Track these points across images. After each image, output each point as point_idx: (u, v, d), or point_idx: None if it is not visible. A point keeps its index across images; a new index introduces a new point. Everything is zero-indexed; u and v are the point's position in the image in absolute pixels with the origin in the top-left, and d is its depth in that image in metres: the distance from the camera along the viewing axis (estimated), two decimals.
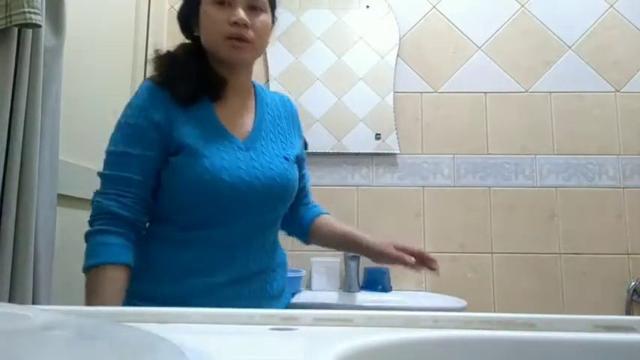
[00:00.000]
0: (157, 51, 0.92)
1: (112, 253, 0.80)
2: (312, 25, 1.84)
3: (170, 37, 1.85)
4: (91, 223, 0.83)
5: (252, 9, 0.87)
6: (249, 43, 0.87)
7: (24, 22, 0.87)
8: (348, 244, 1.04)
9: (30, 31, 0.94)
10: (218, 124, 0.88)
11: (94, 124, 1.37)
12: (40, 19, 0.90)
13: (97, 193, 0.84)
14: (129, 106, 0.88)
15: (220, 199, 0.84)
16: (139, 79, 1.66)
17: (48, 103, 0.98)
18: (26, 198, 0.91)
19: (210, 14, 0.87)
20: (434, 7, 1.86)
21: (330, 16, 1.85)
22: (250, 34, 0.86)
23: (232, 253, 0.87)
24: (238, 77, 0.93)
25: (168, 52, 0.92)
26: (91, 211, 0.83)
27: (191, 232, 0.86)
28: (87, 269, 0.80)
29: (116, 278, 0.79)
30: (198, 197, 0.84)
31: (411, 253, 0.96)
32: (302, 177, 1.03)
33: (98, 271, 0.79)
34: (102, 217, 0.81)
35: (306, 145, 1.18)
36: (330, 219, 1.06)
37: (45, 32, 0.97)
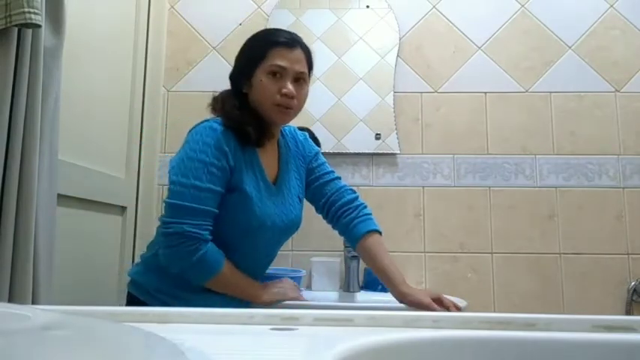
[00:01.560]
0: (215, 97, 1.11)
1: (223, 255, 1.00)
2: (312, 25, 1.83)
3: (170, 37, 1.85)
4: (193, 250, 0.95)
5: (297, 80, 1.06)
6: (292, 110, 1.06)
7: (24, 22, 0.87)
8: (383, 281, 1.14)
9: (30, 31, 0.93)
10: (262, 172, 1.07)
11: (93, 124, 1.37)
12: (39, 19, 0.90)
13: (186, 224, 0.96)
14: (205, 144, 1.00)
15: (256, 235, 1.05)
16: (139, 79, 1.66)
17: (47, 103, 0.98)
18: (26, 198, 0.91)
19: (264, 83, 1.04)
20: (434, 7, 1.85)
21: (330, 16, 1.85)
22: (294, 102, 1.06)
23: (249, 271, 1.05)
24: (275, 129, 1.12)
25: (229, 99, 1.08)
26: (182, 237, 0.95)
27: (224, 250, 1.01)
28: (217, 272, 0.98)
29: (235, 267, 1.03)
30: (240, 230, 1.03)
31: (440, 305, 1.04)
32: (334, 180, 1.20)
33: (226, 270, 0.99)
34: (202, 242, 0.97)
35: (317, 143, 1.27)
36: (374, 246, 1.13)
37: (45, 32, 0.97)
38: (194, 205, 0.96)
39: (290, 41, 1.07)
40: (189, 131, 1.06)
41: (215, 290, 1.01)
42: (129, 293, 1.09)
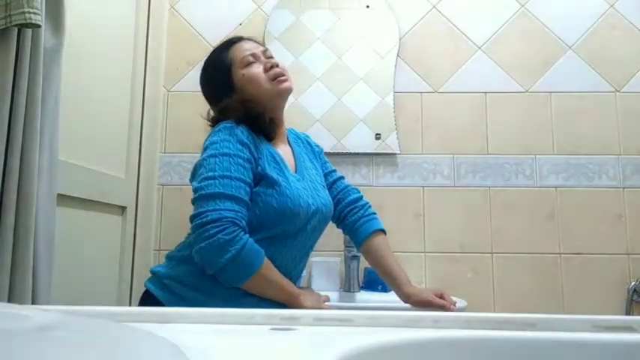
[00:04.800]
0: (211, 116, 1.12)
1: (263, 251, 0.94)
2: (312, 25, 1.83)
3: (170, 37, 1.85)
4: (233, 239, 0.89)
5: (269, 58, 1.10)
6: (287, 77, 1.07)
7: (24, 22, 0.87)
8: (388, 282, 1.14)
9: (30, 31, 0.94)
10: (282, 160, 1.04)
11: (93, 124, 1.37)
12: (39, 19, 0.90)
13: (224, 210, 0.90)
14: (225, 140, 0.98)
15: (294, 220, 0.99)
16: (139, 79, 1.66)
17: (47, 103, 0.98)
18: (26, 198, 0.91)
19: (248, 74, 1.06)
20: (434, 7, 1.86)
21: (330, 16, 1.85)
22: (283, 70, 1.08)
23: (287, 266, 1.01)
24: (279, 122, 1.11)
25: (237, 102, 1.07)
26: (221, 223, 0.89)
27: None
28: (259, 267, 0.92)
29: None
30: (276, 219, 0.97)
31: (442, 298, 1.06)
32: (339, 179, 1.23)
33: (267, 266, 0.93)
34: (243, 231, 0.91)
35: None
36: (380, 246, 1.15)
37: (44, 32, 0.97)
38: (228, 192, 0.91)
39: (238, 37, 1.14)
40: (204, 143, 1.02)
41: (250, 292, 0.94)
42: (145, 290, 1.02)
